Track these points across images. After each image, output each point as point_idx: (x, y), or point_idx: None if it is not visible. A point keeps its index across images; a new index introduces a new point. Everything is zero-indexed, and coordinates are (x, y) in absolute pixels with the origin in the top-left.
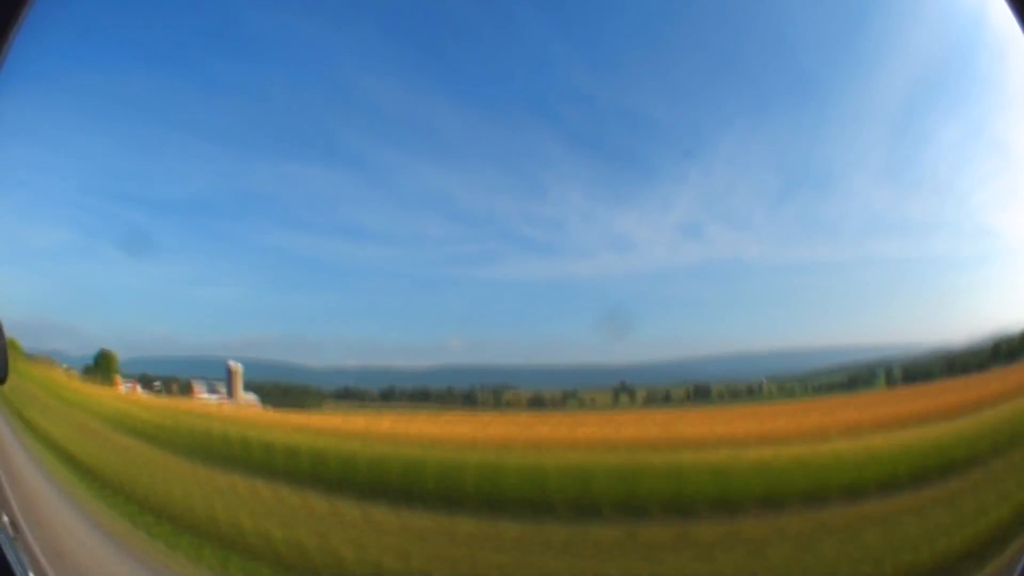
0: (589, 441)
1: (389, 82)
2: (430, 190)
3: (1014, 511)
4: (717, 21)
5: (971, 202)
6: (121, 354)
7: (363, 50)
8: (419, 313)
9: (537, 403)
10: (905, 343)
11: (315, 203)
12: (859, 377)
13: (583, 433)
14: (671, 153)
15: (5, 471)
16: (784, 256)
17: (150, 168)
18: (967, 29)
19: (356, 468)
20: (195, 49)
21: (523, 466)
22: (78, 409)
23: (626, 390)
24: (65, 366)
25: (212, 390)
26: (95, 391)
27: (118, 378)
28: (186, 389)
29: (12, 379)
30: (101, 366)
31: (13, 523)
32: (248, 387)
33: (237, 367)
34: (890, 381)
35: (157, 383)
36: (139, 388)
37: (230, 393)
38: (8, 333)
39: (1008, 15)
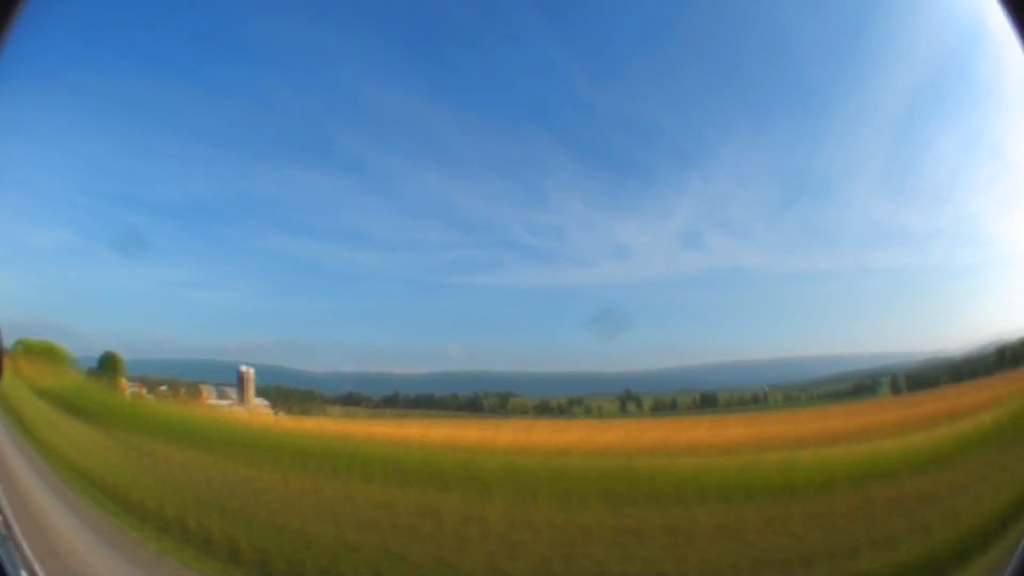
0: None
1: (391, 88)
2: (431, 196)
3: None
4: (718, 31)
5: (969, 209)
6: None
7: (365, 56)
8: (419, 319)
9: (544, 410)
10: (904, 351)
11: (316, 208)
12: (863, 385)
13: (611, 438)
14: (672, 161)
15: (0, 472)
16: (784, 264)
17: (149, 170)
18: (965, 38)
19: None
20: (197, 52)
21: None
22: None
23: (632, 398)
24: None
25: (222, 395)
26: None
27: (124, 381)
28: (194, 393)
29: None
30: (106, 368)
31: (5, 522)
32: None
33: (249, 371)
34: (894, 389)
35: (163, 387)
36: (145, 391)
37: (241, 398)
38: (11, 334)
39: (1005, 24)
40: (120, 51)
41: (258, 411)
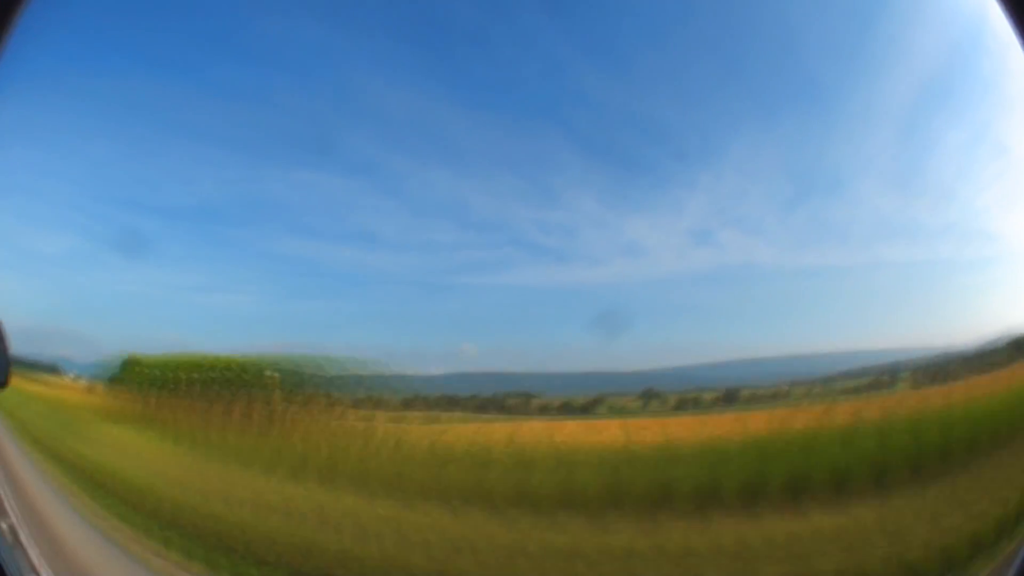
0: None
1: (400, 89)
2: (442, 197)
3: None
4: (726, 28)
5: (976, 205)
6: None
7: (374, 56)
8: (431, 320)
9: (568, 409)
10: (916, 346)
11: (326, 210)
12: (882, 380)
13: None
14: (682, 159)
15: (4, 477)
16: (795, 261)
17: (157, 173)
18: (968, 34)
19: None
20: (204, 54)
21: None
22: None
23: (654, 396)
24: (73, 373)
25: None
26: None
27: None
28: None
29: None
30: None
31: (12, 529)
32: None
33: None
34: (915, 383)
35: None
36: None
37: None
38: (14, 339)
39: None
40: (126, 53)
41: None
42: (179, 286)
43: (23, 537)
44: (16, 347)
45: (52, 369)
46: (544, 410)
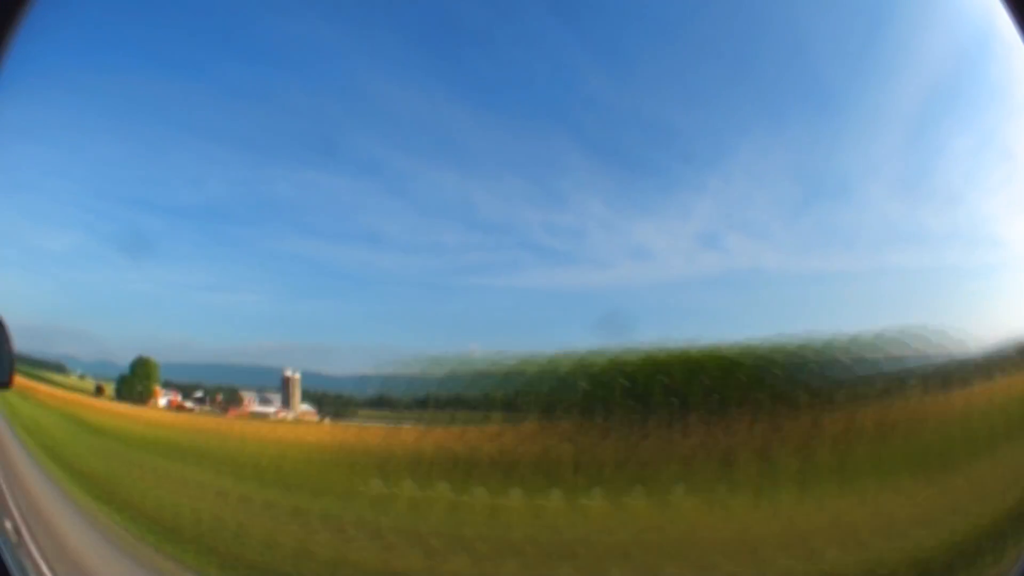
0: None
1: (408, 89)
2: (449, 198)
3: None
4: (735, 31)
5: (983, 211)
6: (131, 359)
7: (381, 57)
8: (438, 321)
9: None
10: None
11: (333, 210)
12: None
13: None
14: (690, 162)
15: (7, 477)
16: (802, 265)
17: (164, 172)
18: (975, 39)
19: None
20: (211, 53)
21: None
22: None
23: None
24: (79, 372)
25: (264, 401)
26: None
27: (158, 389)
28: (234, 399)
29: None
30: (139, 375)
31: (15, 529)
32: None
33: (295, 375)
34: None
35: (199, 393)
36: (180, 398)
37: (286, 403)
38: (20, 336)
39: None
40: (133, 52)
41: (305, 418)
42: (185, 285)
43: (27, 537)
44: (21, 345)
45: (58, 368)
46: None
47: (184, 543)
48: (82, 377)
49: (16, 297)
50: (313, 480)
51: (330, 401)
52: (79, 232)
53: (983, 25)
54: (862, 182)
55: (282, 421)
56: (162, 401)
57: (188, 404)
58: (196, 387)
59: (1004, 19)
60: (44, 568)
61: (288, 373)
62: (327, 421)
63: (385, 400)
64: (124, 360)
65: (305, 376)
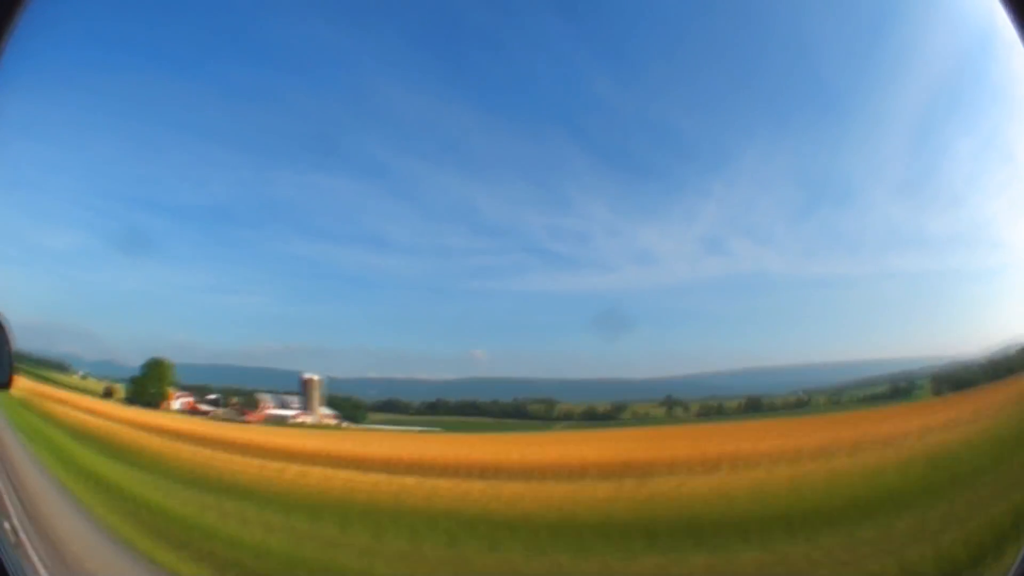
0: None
1: (414, 92)
2: (455, 201)
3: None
4: (740, 37)
5: (985, 214)
6: (134, 360)
7: (388, 60)
8: (442, 324)
9: (592, 417)
10: (926, 355)
11: (338, 212)
12: (900, 388)
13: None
14: (695, 166)
15: (6, 478)
16: (805, 269)
17: (167, 172)
18: (978, 44)
19: None
20: (217, 54)
21: None
22: None
23: (675, 403)
24: (81, 371)
25: (282, 404)
26: None
27: (172, 391)
28: (251, 403)
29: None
30: (152, 377)
31: (14, 529)
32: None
33: (315, 379)
34: (935, 391)
35: (213, 395)
36: (194, 401)
37: (306, 407)
38: (22, 335)
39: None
40: (137, 51)
41: (325, 422)
42: (187, 286)
43: (24, 537)
44: (23, 343)
45: (60, 367)
46: (569, 417)
47: None
48: (84, 376)
49: (17, 295)
50: None
51: (339, 404)
52: (81, 231)
53: (984, 29)
54: (865, 186)
55: (303, 425)
56: (176, 404)
57: (203, 407)
58: (203, 389)
59: (1005, 23)
60: (41, 569)
61: (308, 376)
62: (346, 425)
63: (394, 404)
64: (125, 360)
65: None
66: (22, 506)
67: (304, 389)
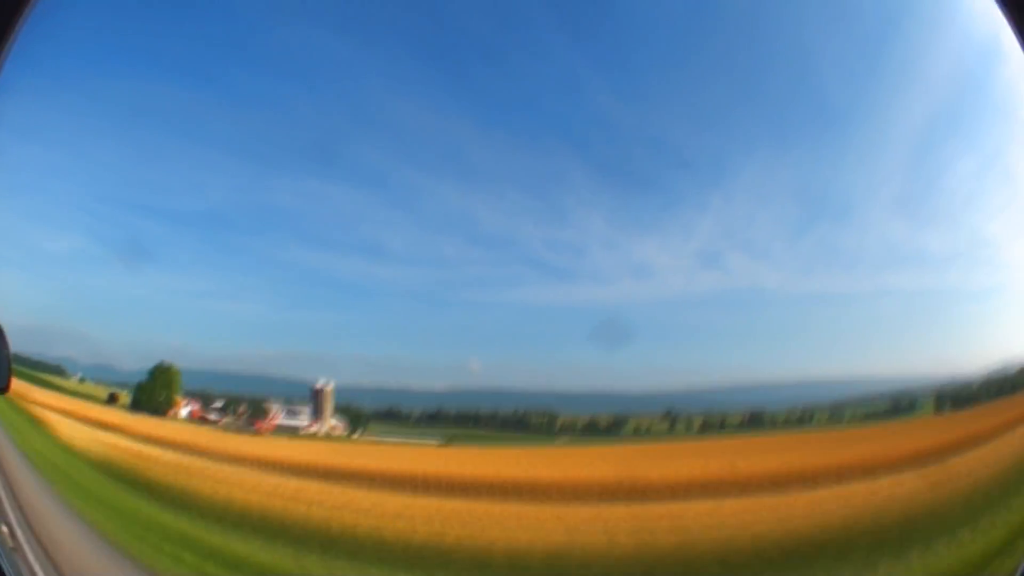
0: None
1: (415, 103)
2: (452, 212)
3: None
4: (741, 51)
5: (984, 233)
6: (131, 365)
7: (390, 70)
8: (438, 334)
9: (593, 430)
10: (922, 374)
11: (335, 220)
12: (900, 405)
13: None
14: (693, 181)
15: (4, 482)
16: (802, 286)
17: (166, 178)
18: (982, 61)
19: None
20: (216, 61)
21: None
22: None
23: (677, 417)
24: (78, 375)
25: (291, 414)
26: None
27: (179, 399)
28: (259, 412)
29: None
30: (160, 383)
31: (11, 533)
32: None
33: (328, 387)
34: (938, 408)
35: (218, 402)
36: (200, 409)
37: (317, 416)
38: (19, 338)
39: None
40: (138, 58)
41: (336, 433)
42: (185, 291)
43: (22, 540)
44: (21, 346)
45: (57, 371)
46: (572, 430)
47: None
48: (82, 380)
49: (15, 298)
50: None
51: (342, 414)
52: (79, 235)
53: (989, 46)
54: (864, 203)
55: (316, 436)
56: (183, 412)
57: (212, 416)
58: (203, 395)
59: (1011, 41)
60: (39, 572)
61: (320, 384)
62: (358, 436)
63: (395, 414)
64: (121, 364)
65: (305, 385)
66: (20, 511)
67: (315, 399)
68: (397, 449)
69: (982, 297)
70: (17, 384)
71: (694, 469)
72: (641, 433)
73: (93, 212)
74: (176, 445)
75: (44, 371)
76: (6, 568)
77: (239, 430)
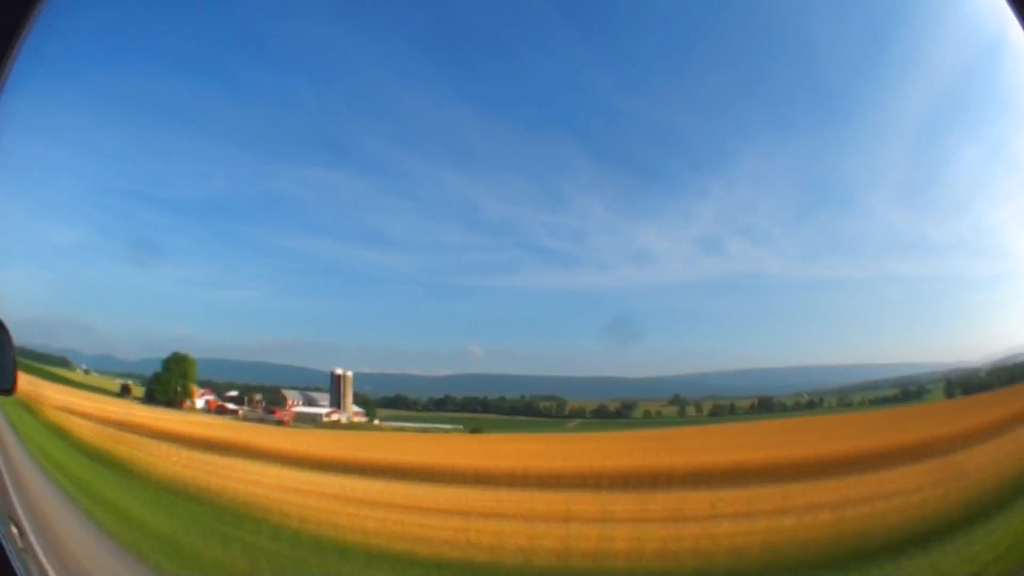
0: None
1: (415, 91)
2: (453, 199)
3: None
4: (744, 41)
5: (988, 222)
6: (134, 355)
7: (390, 59)
8: (439, 321)
9: (603, 415)
10: (928, 361)
11: (337, 208)
12: (910, 392)
13: None
14: (694, 168)
15: (12, 482)
16: (804, 273)
17: (170, 169)
18: (986, 50)
19: None
20: (217, 53)
21: None
22: None
23: (685, 402)
24: (83, 367)
25: (310, 402)
26: None
27: (195, 388)
28: (276, 400)
29: None
30: (175, 373)
31: (20, 533)
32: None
33: (348, 374)
34: (948, 394)
35: (234, 392)
36: (215, 398)
37: (338, 404)
38: (23, 330)
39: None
40: (141, 51)
41: (356, 420)
42: (188, 280)
43: (32, 540)
44: (25, 338)
45: (62, 363)
46: (581, 415)
47: None
48: (87, 372)
49: (20, 291)
50: None
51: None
52: (81, 225)
53: (995, 35)
54: (867, 190)
55: (339, 425)
56: (200, 402)
57: (230, 406)
58: (211, 384)
59: (1017, 29)
60: (50, 571)
61: (339, 372)
62: (377, 423)
63: (402, 400)
64: (124, 354)
65: (310, 373)
66: (30, 510)
67: (335, 385)
68: (412, 439)
69: (986, 285)
70: (25, 381)
71: (704, 454)
72: (651, 418)
73: (97, 205)
74: (199, 440)
75: (49, 363)
76: (17, 568)
77: (260, 420)
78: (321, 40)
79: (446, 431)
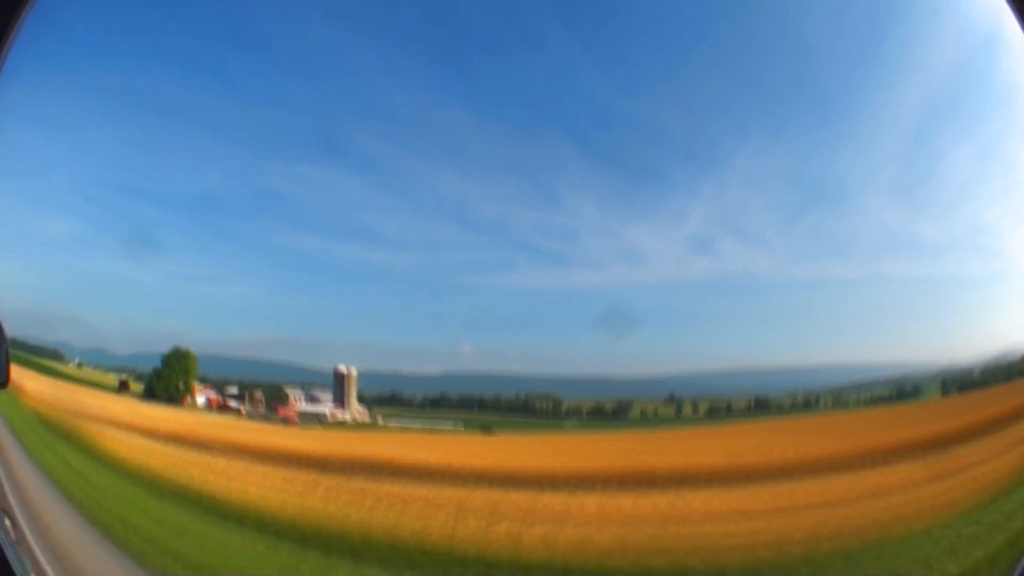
0: None
1: (408, 89)
2: (444, 196)
3: None
4: (737, 40)
5: (982, 221)
6: (125, 349)
7: (384, 57)
8: (429, 319)
9: (599, 415)
10: (918, 360)
11: (328, 205)
12: (905, 391)
13: None
14: (686, 166)
15: (6, 475)
16: (796, 272)
17: (162, 164)
18: (981, 49)
19: None
20: (212, 48)
21: None
22: None
23: (681, 402)
24: (76, 360)
25: (312, 399)
26: None
27: (196, 385)
28: (278, 398)
29: None
30: (177, 369)
31: (14, 525)
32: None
33: (351, 371)
34: (944, 393)
35: (233, 388)
36: (214, 394)
37: (341, 402)
38: (16, 322)
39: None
40: (136, 46)
41: (361, 419)
42: (179, 275)
43: (27, 535)
44: (18, 330)
45: (55, 355)
46: (577, 415)
47: None
48: (80, 365)
49: (13, 283)
50: None
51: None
52: (73, 219)
53: (990, 33)
54: (861, 189)
55: (346, 424)
56: (200, 400)
57: (231, 404)
58: (207, 379)
59: (1013, 28)
60: (44, 564)
61: (342, 369)
62: (381, 421)
63: (397, 398)
64: (115, 348)
65: (301, 370)
66: (24, 504)
67: (338, 383)
68: (412, 438)
69: (980, 285)
70: (18, 374)
71: (700, 455)
72: (648, 418)
73: (90, 198)
74: (202, 441)
75: (42, 356)
76: (11, 560)
77: (264, 418)
78: (315, 37)
79: (455, 430)
